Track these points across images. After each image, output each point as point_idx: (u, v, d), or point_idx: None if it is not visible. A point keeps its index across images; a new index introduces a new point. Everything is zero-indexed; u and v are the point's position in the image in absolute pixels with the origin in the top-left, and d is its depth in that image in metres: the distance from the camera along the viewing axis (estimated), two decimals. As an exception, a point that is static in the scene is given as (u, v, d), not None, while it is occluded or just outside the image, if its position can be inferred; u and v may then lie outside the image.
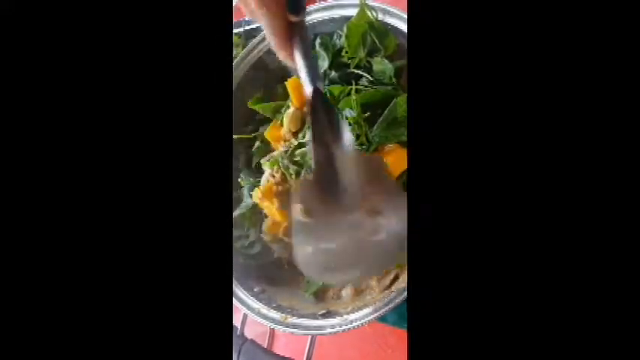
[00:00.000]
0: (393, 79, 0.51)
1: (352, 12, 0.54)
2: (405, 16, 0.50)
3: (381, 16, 0.52)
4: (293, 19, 0.35)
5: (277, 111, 0.59)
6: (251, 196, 0.58)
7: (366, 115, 0.48)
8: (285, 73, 0.62)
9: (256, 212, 0.58)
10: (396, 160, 0.46)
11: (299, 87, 0.52)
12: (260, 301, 0.53)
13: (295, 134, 0.55)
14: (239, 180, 0.62)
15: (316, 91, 0.36)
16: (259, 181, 0.58)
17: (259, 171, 0.61)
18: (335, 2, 0.56)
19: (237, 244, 0.59)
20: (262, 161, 0.58)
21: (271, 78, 0.63)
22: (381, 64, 0.51)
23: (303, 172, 0.51)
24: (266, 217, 0.58)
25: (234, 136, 0.62)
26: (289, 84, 0.54)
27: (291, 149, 0.53)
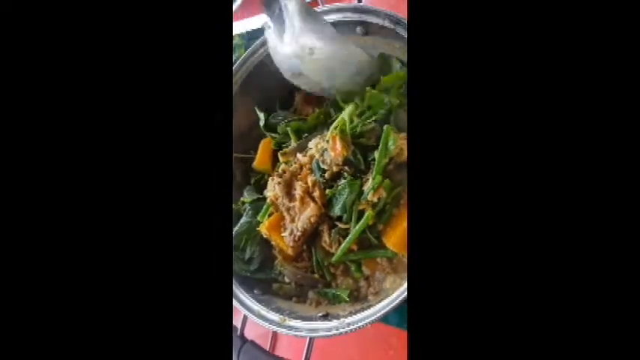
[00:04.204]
0: None
1: (351, 16, 0.55)
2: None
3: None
4: None
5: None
6: (252, 214, 0.59)
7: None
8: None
9: (253, 229, 0.59)
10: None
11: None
12: (260, 302, 0.54)
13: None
14: (242, 198, 0.62)
15: None
16: (262, 198, 0.59)
17: (260, 187, 0.62)
18: (332, 6, 0.56)
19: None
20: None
21: (272, 80, 0.64)
22: None
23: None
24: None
25: (235, 155, 0.64)
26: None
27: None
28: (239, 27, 0.82)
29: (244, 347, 0.53)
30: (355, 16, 0.55)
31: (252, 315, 0.53)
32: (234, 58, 0.68)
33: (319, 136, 0.56)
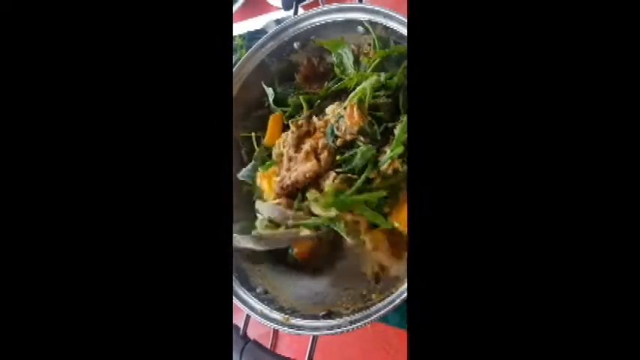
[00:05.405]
0: None
1: (352, 16, 0.55)
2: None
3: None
4: None
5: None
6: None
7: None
8: (286, 75, 0.63)
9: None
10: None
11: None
12: (262, 302, 0.54)
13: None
14: (258, 170, 0.62)
15: None
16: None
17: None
18: (335, 6, 0.57)
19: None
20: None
21: (273, 80, 0.64)
22: None
23: None
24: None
25: (241, 134, 0.64)
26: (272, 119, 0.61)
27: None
28: (239, 28, 0.82)
29: (247, 347, 0.53)
30: (356, 16, 0.56)
31: (255, 314, 0.53)
32: (234, 59, 0.68)
33: (337, 102, 0.57)
